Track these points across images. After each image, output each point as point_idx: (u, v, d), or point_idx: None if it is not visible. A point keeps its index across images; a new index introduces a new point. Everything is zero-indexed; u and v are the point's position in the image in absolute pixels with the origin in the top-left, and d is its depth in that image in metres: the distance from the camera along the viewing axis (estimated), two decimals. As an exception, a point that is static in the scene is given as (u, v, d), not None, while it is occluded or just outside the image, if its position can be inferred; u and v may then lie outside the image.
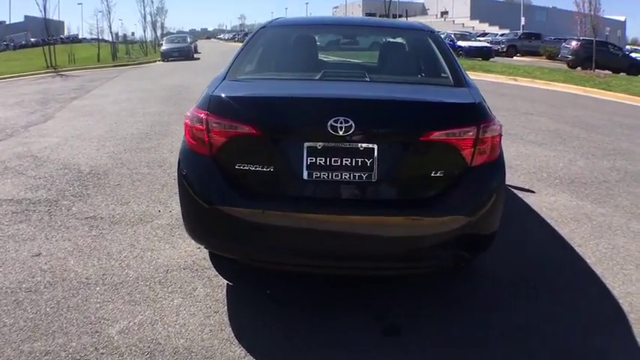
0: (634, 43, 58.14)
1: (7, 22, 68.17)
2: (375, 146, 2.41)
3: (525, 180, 5.12)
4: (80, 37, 65.16)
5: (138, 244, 3.52)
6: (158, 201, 4.38)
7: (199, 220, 2.62)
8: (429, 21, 44.99)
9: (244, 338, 2.47)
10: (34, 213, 4.10)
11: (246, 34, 35.75)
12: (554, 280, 3.12)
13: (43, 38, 27.48)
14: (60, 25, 61.99)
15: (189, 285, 2.97)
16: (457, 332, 2.56)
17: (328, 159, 2.42)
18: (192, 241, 2.88)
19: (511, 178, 4.88)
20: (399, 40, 4.09)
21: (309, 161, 2.42)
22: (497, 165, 2.60)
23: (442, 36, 3.89)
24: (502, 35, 38.25)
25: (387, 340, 2.49)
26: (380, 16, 35.03)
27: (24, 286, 2.94)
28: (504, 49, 33.32)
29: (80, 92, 12.59)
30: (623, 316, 2.71)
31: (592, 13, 19.17)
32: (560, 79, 15.30)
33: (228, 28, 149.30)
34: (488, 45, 30.02)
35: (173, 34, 45.76)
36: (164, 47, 29.87)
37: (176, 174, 2.78)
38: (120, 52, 32.96)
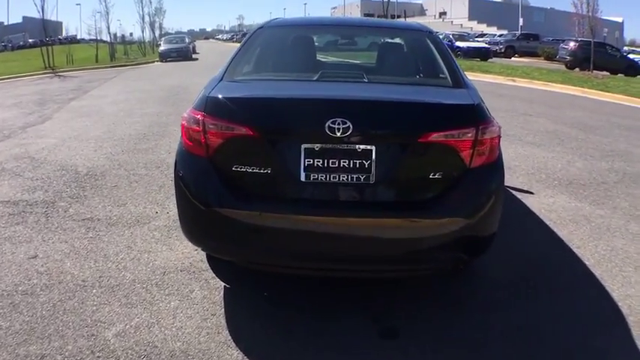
0: (632, 44, 58.22)
1: (6, 23, 68.11)
2: (373, 148, 2.40)
3: (524, 181, 5.11)
4: (78, 37, 64.97)
5: (135, 245, 3.51)
6: (155, 202, 4.36)
7: (196, 222, 2.60)
8: (428, 21, 45.11)
9: (241, 341, 2.45)
10: (30, 215, 4.08)
11: (244, 35, 35.68)
12: (554, 281, 3.11)
13: (41, 39, 27.44)
14: (58, 25, 61.85)
15: (186, 287, 2.95)
16: (456, 334, 2.55)
17: (326, 160, 2.40)
18: (190, 243, 2.87)
19: (510, 179, 4.87)
20: (397, 40, 4.07)
21: (306, 163, 2.41)
22: (496, 166, 2.59)
23: (440, 36, 3.88)
24: (500, 36, 38.29)
25: (386, 343, 2.47)
26: (378, 17, 35.03)
27: (20, 288, 2.92)
28: (502, 50, 33.36)
29: (78, 93, 12.57)
30: (622, 319, 2.70)
31: (590, 14, 19.21)
32: (558, 80, 15.31)
33: (227, 28, 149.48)
34: (486, 46, 30.04)
35: (171, 34, 45.66)
36: (162, 48, 29.87)
37: (173, 175, 2.76)
38: (118, 52, 32.95)
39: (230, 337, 2.48)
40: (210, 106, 2.52)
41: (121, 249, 3.45)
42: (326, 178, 2.41)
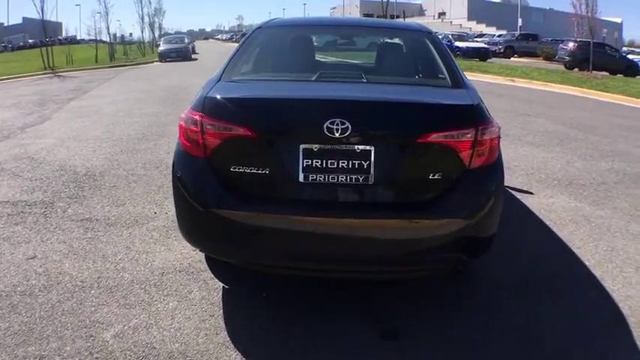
0: (631, 44, 58.19)
1: (6, 24, 68.09)
2: (372, 148, 2.39)
3: (523, 181, 5.11)
4: (78, 38, 64.91)
5: (133, 246, 3.50)
6: (154, 202, 4.35)
7: (194, 223, 2.59)
8: (427, 22, 45.10)
9: (240, 342, 2.44)
10: (29, 215, 4.07)
11: (243, 35, 35.68)
12: (554, 282, 3.10)
13: (40, 39, 27.45)
14: (58, 26, 61.91)
15: (184, 288, 2.94)
16: (456, 335, 2.54)
17: (324, 161, 2.39)
18: (188, 244, 2.86)
19: (509, 180, 4.86)
20: (396, 40, 4.07)
21: (305, 163, 2.40)
22: (495, 167, 2.57)
23: (440, 37, 3.87)
24: (499, 36, 38.28)
25: (385, 344, 2.46)
26: (377, 17, 35.02)
27: (19, 289, 2.91)
28: (502, 50, 33.38)
29: (77, 93, 12.55)
30: (622, 320, 2.69)
31: (589, 14, 19.21)
32: (557, 80, 15.32)
33: (226, 28, 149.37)
34: (485, 46, 30.05)
35: (171, 34, 45.61)
36: (162, 48, 29.86)
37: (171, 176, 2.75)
38: (118, 52, 32.94)
39: (229, 338, 2.47)
40: (208, 107, 2.51)
41: (120, 249, 3.44)
42: (325, 179, 2.40)
